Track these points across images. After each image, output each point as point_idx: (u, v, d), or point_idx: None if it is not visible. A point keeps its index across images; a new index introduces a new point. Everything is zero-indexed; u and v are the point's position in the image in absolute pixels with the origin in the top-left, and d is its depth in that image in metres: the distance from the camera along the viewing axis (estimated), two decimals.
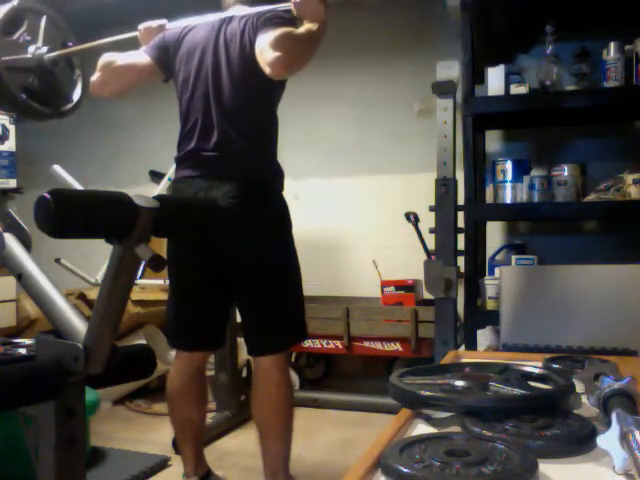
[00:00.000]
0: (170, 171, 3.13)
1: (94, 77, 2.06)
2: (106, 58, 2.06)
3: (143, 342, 3.26)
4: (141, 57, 2.09)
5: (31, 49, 1.94)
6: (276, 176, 2.07)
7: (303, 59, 1.82)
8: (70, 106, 2.05)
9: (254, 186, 1.97)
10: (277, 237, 2.03)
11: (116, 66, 2.05)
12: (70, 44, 2.04)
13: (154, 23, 2.13)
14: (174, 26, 2.10)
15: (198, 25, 2.06)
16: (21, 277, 1.41)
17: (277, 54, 1.76)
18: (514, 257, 2.78)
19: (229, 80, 1.97)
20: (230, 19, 2.00)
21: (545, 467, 0.83)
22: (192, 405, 2.12)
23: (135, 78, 2.11)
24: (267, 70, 1.80)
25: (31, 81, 1.93)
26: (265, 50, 1.80)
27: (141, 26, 2.14)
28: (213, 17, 2.03)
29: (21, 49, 1.92)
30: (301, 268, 2.10)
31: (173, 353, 2.24)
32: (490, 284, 2.56)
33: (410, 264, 3.17)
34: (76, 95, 2.07)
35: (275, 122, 2.08)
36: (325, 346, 3.34)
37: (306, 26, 1.82)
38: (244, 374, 3.28)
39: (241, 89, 1.97)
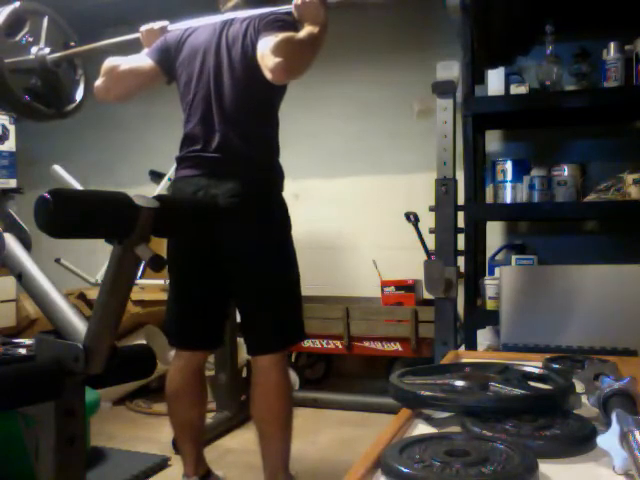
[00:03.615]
0: (170, 171, 3.13)
1: (98, 82, 2.07)
2: (109, 63, 2.06)
3: (143, 342, 3.26)
4: (144, 61, 2.09)
5: (34, 50, 1.94)
6: (276, 176, 2.07)
7: (304, 64, 1.82)
8: (73, 107, 2.06)
9: (254, 186, 1.97)
10: (276, 237, 2.03)
11: (120, 71, 2.06)
12: (72, 45, 2.04)
13: (156, 25, 2.13)
14: (176, 28, 2.10)
15: (200, 27, 2.06)
16: (21, 277, 1.41)
17: (278, 60, 1.76)
18: (514, 257, 2.79)
19: (230, 82, 1.97)
20: (232, 21, 2.00)
21: (545, 467, 0.83)
22: (191, 405, 2.12)
23: (139, 82, 2.12)
24: (269, 75, 1.80)
25: (34, 82, 1.93)
26: (266, 55, 1.80)
27: (143, 28, 2.14)
28: (215, 19, 2.02)
29: (23, 50, 1.93)
30: (301, 268, 2.10)
31: (173, 353, 2.24)
32: (490, 284, 2.56)
33: (410, 264, 3.17)
34: (79, 96, 2.07)
35: (276, 123, 2.08)
36: (325, 346, 3.34)
37: (307, 29, 1.82)
38: (244, 374, 3.28)
39: (242, 91, 1.97)
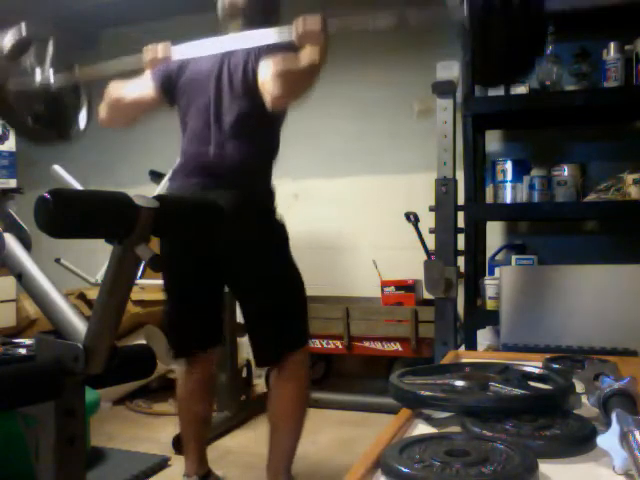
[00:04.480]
0: (170, 172, 3.13)
1: (102, 112, 2.10)
2: (113, 94, 2.08)
3: (143, 342, 3.26)
4: (147, 88, 2.10)
5: (38, 73, 1.94)
6: (270, 195, 2.07)
7: (304, 92, 1.86)
8: (77, 130, 2.06)
9: (248, 200, 1.98)
10: (276, 241, 2.04)
11: (124, 104, 2.10)
12: (76, 68, 2.04)
13: (159, 52, 2.07)
14: (179, 54, 2.07)
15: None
16: (21, 277, 1.41)
17: (277, 88, 1.78)
18: (514, 257, 2.79)
19: (230, 107, 1.99)
20: (234, 52, 2.00)
21: (545, 467, 0.83)
22: (200, 400, 2.14)
23: (142, 110, 2.17)
24: (268, 103, 1.83)
25: (38, 106, 1.93)
26: (266, 82, 1.82)
27: (146, 53, 2.08)
28: (218, 43, 1.98)
29: (28, 74, 1.92)
30: (301, 268, 2.10)
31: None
32: (490, 284, 2.56)
33: (410, 264, 3.17)
34: (83, 119, 2.08)
35: (275, 147, 2.09)
36: (325, 346, 3.34)
37: (308, 55, 1.81)
38: (244, 374, 3.28)
39: (242, 116, 1.98)
